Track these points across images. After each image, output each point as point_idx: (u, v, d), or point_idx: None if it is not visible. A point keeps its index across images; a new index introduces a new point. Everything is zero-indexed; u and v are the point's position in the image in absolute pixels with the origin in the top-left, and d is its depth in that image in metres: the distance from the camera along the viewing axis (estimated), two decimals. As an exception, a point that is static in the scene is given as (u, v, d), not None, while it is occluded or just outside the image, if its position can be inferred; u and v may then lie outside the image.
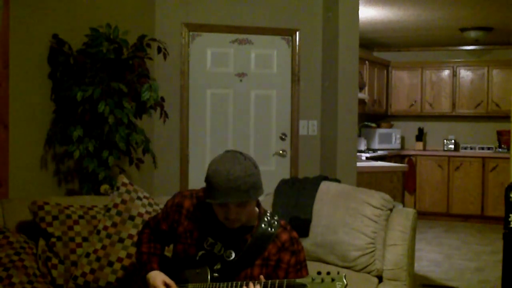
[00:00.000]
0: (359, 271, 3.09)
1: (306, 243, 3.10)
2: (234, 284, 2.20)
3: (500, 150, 8.60)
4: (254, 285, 2.13)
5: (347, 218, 3.15)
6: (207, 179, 2.19)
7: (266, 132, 5.28)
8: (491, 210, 8.29)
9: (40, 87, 3.74)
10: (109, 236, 2.91)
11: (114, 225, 2.94)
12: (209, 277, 2.28)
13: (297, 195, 3.38)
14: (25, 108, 3.62)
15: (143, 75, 3.94)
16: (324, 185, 3.40)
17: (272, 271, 2.25)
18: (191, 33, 5.08)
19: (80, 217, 2.97)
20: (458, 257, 6.42)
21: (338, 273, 2.05)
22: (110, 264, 2.87)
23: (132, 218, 2.98)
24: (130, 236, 2.93)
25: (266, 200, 3.43)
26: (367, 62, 8.39)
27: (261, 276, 2.17)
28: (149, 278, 2.37)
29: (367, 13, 6.63)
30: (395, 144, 9.03)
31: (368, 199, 3.20)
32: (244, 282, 2.17)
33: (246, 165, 2.17)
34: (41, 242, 2.89)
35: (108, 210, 2.99)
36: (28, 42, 3.64)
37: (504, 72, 8.51)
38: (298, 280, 2.08)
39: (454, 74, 8.87)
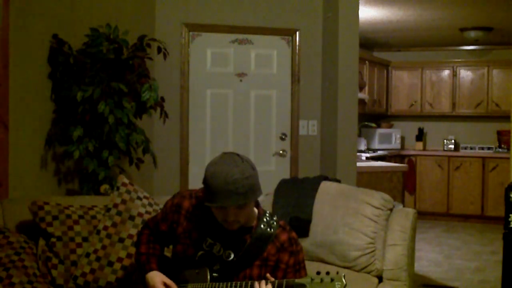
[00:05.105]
0: (359, 271, 3.08)
1: (306, 243, 3.10)
2: (233, 284, 2.20)
3: (500, 150, 8.59)
4: (264, 285, 2.12)
5: (347, 218, 3.14)
6: (205, 182, 2.19)
7: (266, 132, 5.28)
8: (491, 210, 8.29)
9: (40, 87, 3.74)
10: (109, 236, 2.92)
11: (114, 225, 2.94)
12: (208, 277, 2.28)
13: (297, 195, 3.37)
14: (25, 108, 3.62)
15: (143, 75, 3.94)
16: (324, 185, 3.39)
17: (271, 272, 2.24)
18: (191, 33, 5.07)
19: (80, 217, 2.97)
20: (458, 257, 6.42)
21: (337, 273, 2.05)
22: (110, 264, 2.87)
23: (132, 218, 2.98)
24: (130, 236, 2.93)
25: (266, 200, 3.43)
26: (367, 62, 8.38)
27: (268, 275, 2.16)
28: (148, 278, 2.37)
29: (367, 13, 6.63)
30: (395, 144, 9.03)
31: (368, 199, 3.19)
32: (250, 282, 2.16)
33: (244, 167, 2.16)
34: (41, 242, 2.90)
35: (108, 210, 3.00)
36: (28, 42, 3.64)
37: (504, 72, 8.50)
38: (297, 280, 2.08)
39: (454, 74, 8.86)
